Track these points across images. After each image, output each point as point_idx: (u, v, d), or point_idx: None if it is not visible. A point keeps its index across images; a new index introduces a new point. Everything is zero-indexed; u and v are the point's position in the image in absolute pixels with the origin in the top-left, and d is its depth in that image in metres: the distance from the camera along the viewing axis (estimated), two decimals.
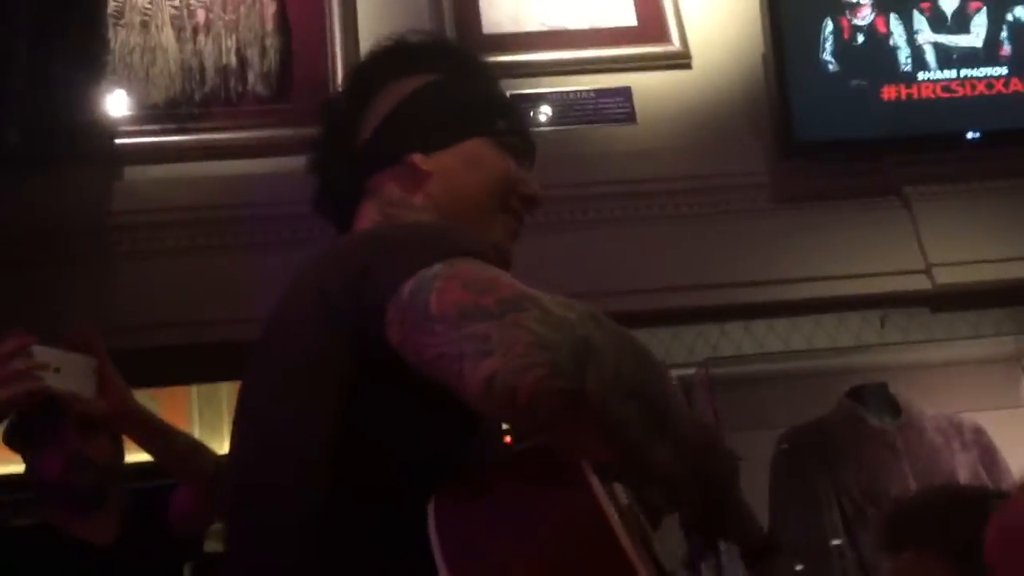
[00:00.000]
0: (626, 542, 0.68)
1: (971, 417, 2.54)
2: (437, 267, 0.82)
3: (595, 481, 0.72)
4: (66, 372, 1.49)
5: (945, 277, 2.71)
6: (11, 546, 2.44)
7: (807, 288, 2.68)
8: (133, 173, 2.60)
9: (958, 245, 2.74)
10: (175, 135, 2.64)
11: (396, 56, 1.15)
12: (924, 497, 1.06)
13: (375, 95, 1.12)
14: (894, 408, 2.50)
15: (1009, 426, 2.66)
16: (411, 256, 0.84)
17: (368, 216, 1.07)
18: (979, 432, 2.48)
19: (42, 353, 1.45)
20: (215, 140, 2.65)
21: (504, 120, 1.11)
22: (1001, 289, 2.73)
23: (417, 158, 1.06)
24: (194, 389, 3.81)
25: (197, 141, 2.64)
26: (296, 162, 2.60)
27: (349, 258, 0.92)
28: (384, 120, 1.09)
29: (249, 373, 0.97)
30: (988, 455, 2.44)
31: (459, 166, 1.06)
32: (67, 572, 1.89)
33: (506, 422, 0.79)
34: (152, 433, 1.77)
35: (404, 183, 1.07)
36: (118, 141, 2.58)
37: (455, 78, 1.13)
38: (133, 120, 2.63)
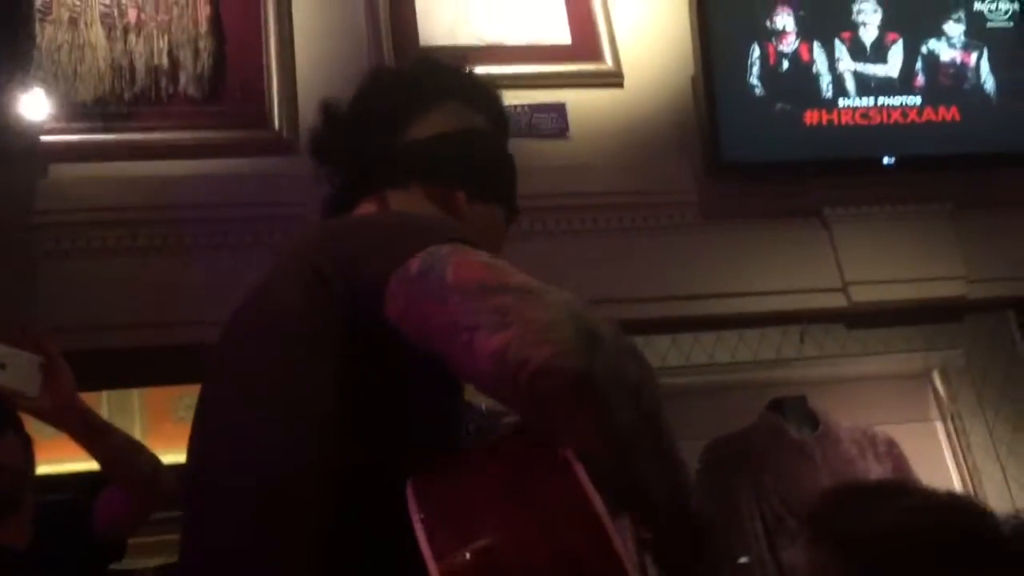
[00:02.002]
0: (609, 525, 0.69)
1: (884, 430, 2.64)
2: (448, 247, 0.84)
3: (580, 468, 0.73)
4: (11, 368, 1.49)
5: (860, 295, 2.83)
6: None
7: (731, 303, 2.76)
8: (59, 171, 2.53)
9: (873, 265, 2.85)
10: (103, 134, 2.58)
11: (463, 80, 1.19)
12: (824, 494, 1.12)
13: (436, 105, 1.14)
14: (812, 420, 2.58)
15: (918, 439, 2.78)
16: (418, 236, 0.86)
17: (375, 208, 1.09)
18: (892, 444, 2.59)
19: None
20: (144, 140, 2.60)
21: (515, 198, 1.17)
22: (913, 308, 2.86)
23: (462, 197, 1.09)
24: (105, 396, 3.71)
25: (125, 140, 2.59)
26: (226, 164, 2.64)
27: (346, 238, 0.94)
28: (441, 137, 1.12)
29: (226, 359, 0.96)
30: (900, 467, 2.54)
31: (482, 227, 1.09)
32: None
33: (504, 396, 0.79)
34: (94, 432, 1.75)
35: (439, 208, 1.09)
36: (43, 138, 2.51)
37: (502, 135, 1.18)
38: (60, 117, 2.56)
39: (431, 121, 1.13)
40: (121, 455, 1.81)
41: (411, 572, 0.70)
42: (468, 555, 0.68)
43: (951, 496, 1.09)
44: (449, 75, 1.19)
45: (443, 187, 1.09)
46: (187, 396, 4.22)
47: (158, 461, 1.88)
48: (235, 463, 0.89)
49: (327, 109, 1.18)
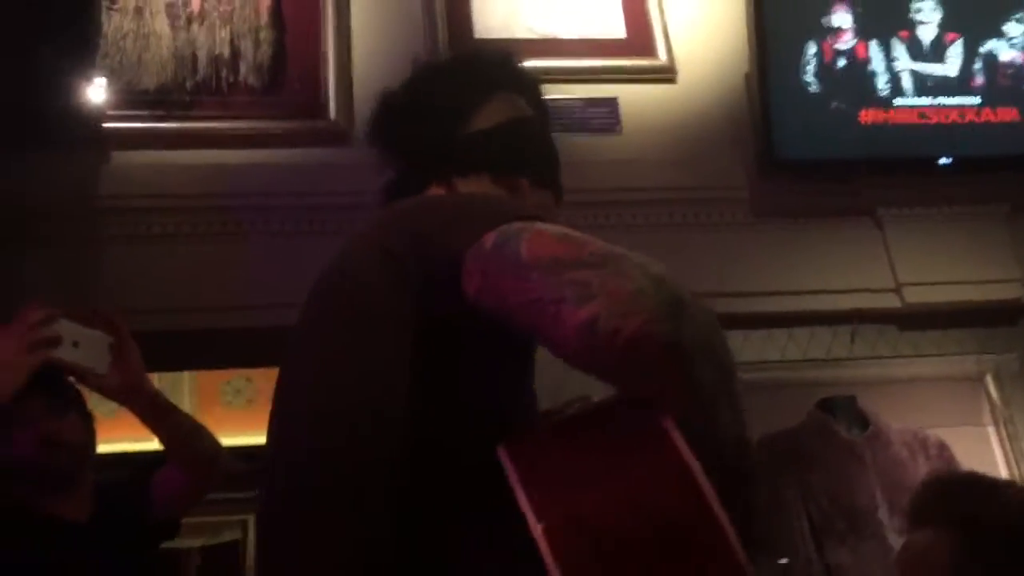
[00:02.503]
0: (709, 490, 0.70)
1: (935, 433, 2.62)
2: (520, 224, 0.86)
3: (678, 434, 0.74)
4: (84, 347, 1.53)
5: (913, 296, 2.80)
6: None
7: (782, 301, 2.75)
8: (121, 158, 2.59)
9: (927, 266, 2.83)
10: (165, 122, 2.64)
11: (510, 69, 1.23)
12: (937, 479, 1.12)
13: (492, 95, 1.18)
14: (862, 421, 2.56)
15: (970, 443, 2.74)
16: (491, 214, 0.89)
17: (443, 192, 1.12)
18: (943, 448, 2.56)
19: (64, 327, 1.49)
20: (205, 129, 2.65)
21: (560, 183, 1.20)
22: (966, 310, 2.83)
23: (526, 184, 1.12)
24: (156, 379, 3.77)
25: (187, 129, 2.64)
26: (284, 154, 2.68)
27: (417, 216, 0.96)
28: (502, 127, 1.15)
29: (302, 342, 0.99)
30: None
31: (542, 211, 1.10)
32: (41, 551, 1.87)
33: (594, 366, 0.81)
34: (159, 412, 1.79)
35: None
36: (107, 125, 2.57)
37: (547, 121, 1.22)
38: (123, 105, 2.62)
39: (490, 111, 1.17)
40: (185, 435, 1.86)
41: (496, 542, 0.72)
42: (568, 515, 0.70)
43: None
44: (498, 66, 1.23)
45: (509, 175, 1.12)
46: (235, 380, 4.30)
47: (218, 442, 1.92)
48: (313, 443, 0.91)
49: (386, 98, 1.22)
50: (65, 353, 1.51)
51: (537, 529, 0.69)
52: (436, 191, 1.12)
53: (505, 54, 1.26)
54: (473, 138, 1.14)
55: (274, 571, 0.92)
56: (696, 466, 0.72)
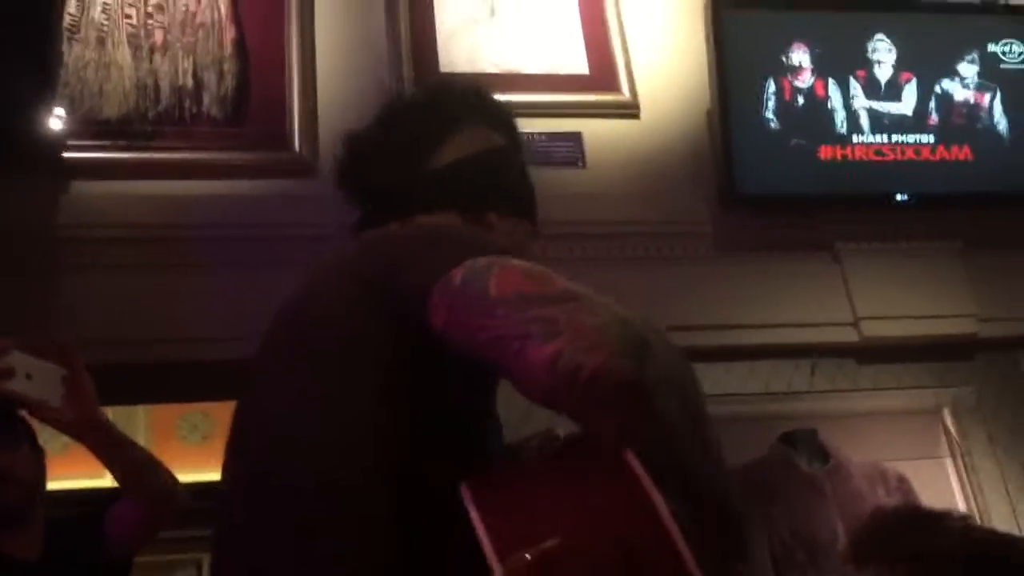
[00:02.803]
0: (671, 523, 0.70)
1: (894, 466, 2.64)
2: (488, 259, 0.86)
3: (641, 469, 0.74)
4: (37, 379, 1.51)
5: (871, 330, 2.84)
6: None
7: (743, 335, 2.77)
8: (81, 187, 2.56)
9: (885, 301, 2.87)
10: (126, 152, 2.61)
11: (478, 101, 1.21)
12: (877, 517, 1.13)
13: (456, 129, 1.16)
14: (823, 454, 2.58)
15: (928, 475, 2.77)
16: (458, 248, 0.89)
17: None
18: (903, 481, 2.59)
19: (17, 359, 1.46)
20: (167, 159, 2.63)
21: (536, 211, 1.19)
22: (924, 344, 2.87)
23: (493, 218, 1.12)
24: (110, 413, 3.69)
25: (148, 159, 2.62)
26: (246, 185, 2.67)
27: (385, 248, 0.96)
28: (465, 162, 1.14)
29: (271, 371, 0.97)
30: (910, 503, 2.54)
31: (512, 242, 1.09)
32: None
33: (557, 402, 0.81)
34: (113, 446, 1.76)
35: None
36: (67, 154, 2.54)
37: (519, 151, 1.21)
38: (84, 134, 2.59)
39: (454, 146, 1.15)
40: (140, 469, 1.82)
41: (466, 572, 0.71)
42: (530, 555, 0.69)
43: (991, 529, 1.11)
44: (464, 98, 1.22)
45: (474, 211, 1.11)
46: (191, 415, 4.23)
47: (174, 477, 1.88)
48: (290, 470, 0.89)
49: (350, 140, 1.21)
50: (18, 385, 1.48)
51: (498, 572, 0.68)
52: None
53: (474, 86, 1.24)
54: (436, 174, 1.13)
55: None
56: (660, 500, 0.72)
